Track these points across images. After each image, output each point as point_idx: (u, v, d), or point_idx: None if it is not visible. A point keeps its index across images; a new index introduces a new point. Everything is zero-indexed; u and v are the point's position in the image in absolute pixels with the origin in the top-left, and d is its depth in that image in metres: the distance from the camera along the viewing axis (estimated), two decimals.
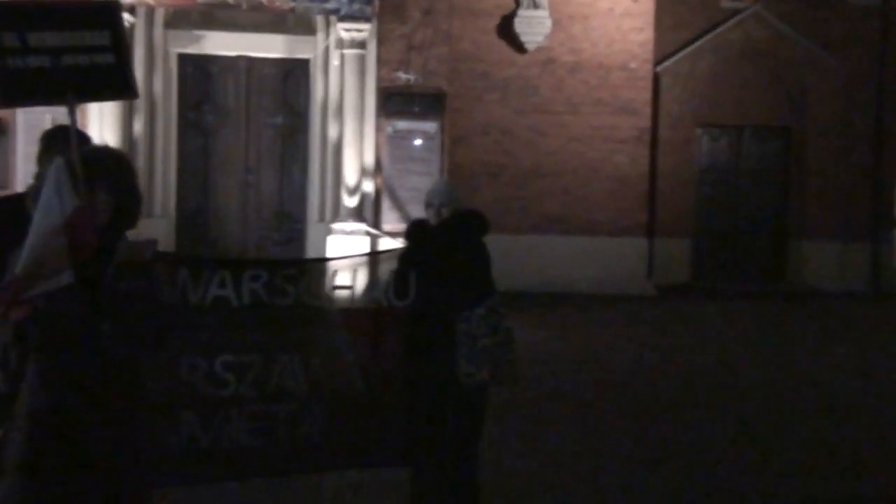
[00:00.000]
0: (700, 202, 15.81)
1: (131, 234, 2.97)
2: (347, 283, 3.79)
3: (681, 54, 15.56)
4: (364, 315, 3.89)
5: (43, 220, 2.81)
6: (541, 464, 5.90)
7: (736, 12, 15.69)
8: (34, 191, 3.08)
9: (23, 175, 11.64)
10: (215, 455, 3.56)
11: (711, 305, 13.72)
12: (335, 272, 3.79)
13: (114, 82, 3.20)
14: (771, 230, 15.96)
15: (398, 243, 4.70)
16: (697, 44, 15.59)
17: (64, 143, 3.26)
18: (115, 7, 3.30)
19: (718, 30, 15.62)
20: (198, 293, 3.42)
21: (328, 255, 10.69)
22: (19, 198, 3.53)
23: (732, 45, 15.60)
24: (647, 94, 14.74)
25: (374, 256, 4.65)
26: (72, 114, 3.05)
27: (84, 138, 3.41)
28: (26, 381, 2.80)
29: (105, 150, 3.18)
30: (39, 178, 3.48)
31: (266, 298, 3.59)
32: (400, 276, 3.91)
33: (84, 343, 2.77)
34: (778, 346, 10.73)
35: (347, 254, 6.46)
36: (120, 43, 3.18)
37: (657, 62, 15.15)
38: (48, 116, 10.38)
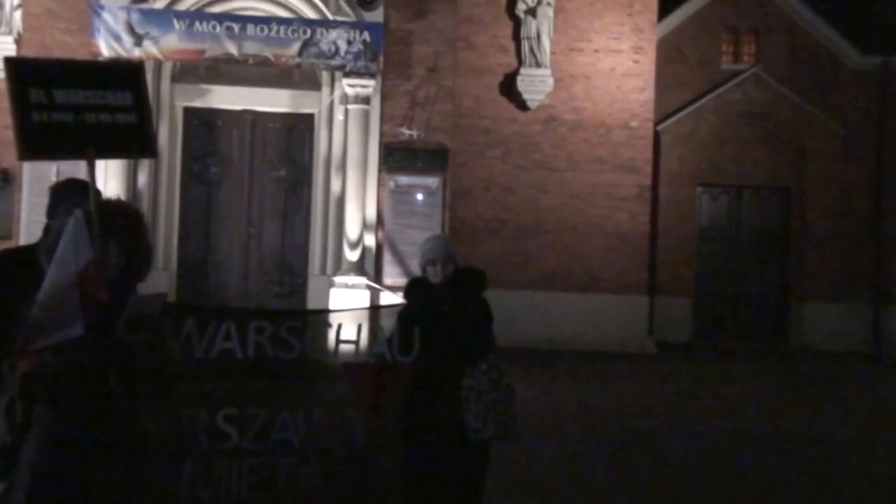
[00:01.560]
0: (701, 261, 15.86)
1: (140, 287, 2.98)
2: (352, 337, 3.78)
3: (682, 114, 15.75)
4: (367, 369, 3.88)
5: (58, 271, 2.83)
6: None
7: (736, 74, 15.92)
8: (46, 245, 3.10)
9: (27, 225, 11.69)
10: None
11: (712, 364, 13.66)
12: (339, 326, 3.78)
13: (134, 141, 3.28)
14: (772, 290, 15.96)
15: (399, 298, 4.70)
16: (698, 104, 15.79)
17: (73, 196, 3.29)
18: (138, 70, 3.40)
19: (719, 91, 15.83)
20: (203, 345, 3.41)
21: (330, 307, 10.68)
22: (30, 250, 3.53)
23: (732, 105, 15.79)
24: (647, 153, 14.87)
25: (377, 310, 4.65)
26: (91, 168, 3.09)
27: (96, 192, 3.44)
28: (32, 434, 2.78)
29: (118, 205, 3.21)
30: (48, 230, 3.50)
31: (270, 352, 3.58)
32: (403, 332, 3.91)
33: (92, 395, 2.76)
34: (778, 406, 10.65)
35: (350, 306, 6.47)
36: (142, 104, 3.27)
37: (658, 121, 15.32)
38: (54, 168, 10.48)
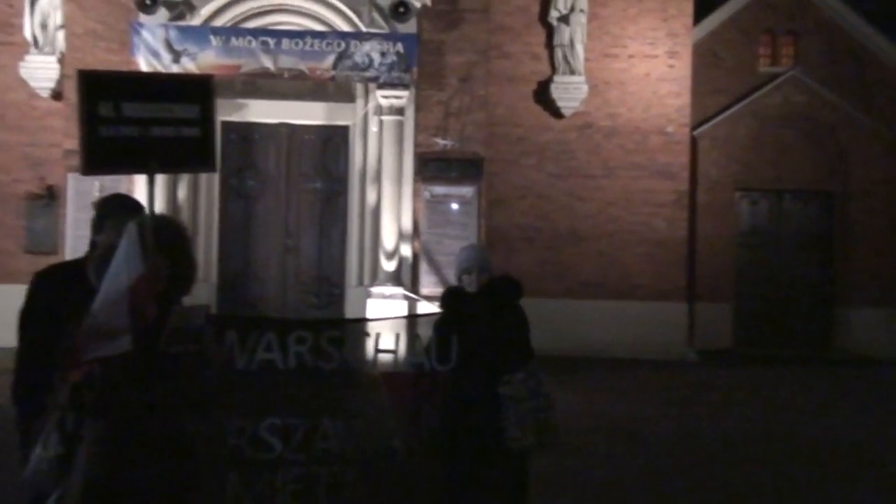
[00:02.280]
0: (740, 266, 15.68)
1: (183, 299, 3.02)
2: (390, 346, 3.80)
3: (719, 118, 15.61)
4: (406, 378, 3.89)
5: (110, 285, 2.87)
6: None
7: (774, 76, 15.75)
8: (94, 259, 3.14)
9: (72, 240, 11.89)
10: None
11: (754, 372, 13.50)
12: (378, 335, 3.80)
13: (196, 155, 3.28)
14: (815, 295, 15.73)
15: (436, 307, 4.71)
16: (735, 108, 15.65)
17: (119, 211, 3.34)
18: (208, 83, 3.37)
19: (757, 94, 15.68)
20: (245, 356, 3.44)
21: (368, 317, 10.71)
22: (78, 264, 3.60)
23: (771, 108, 15.63)
24: (684, 158, 14.75)
25: (414, 320, 4.67)
26: (150, 184, 3.12)
27: (138, 207, 3.48)
28: (83, 445, 2.83)
29: (163, 219, 3.25)
30: (95, 246, 3.56)
31: (310, 362, 3.60)
32: (441, 341, 3.92)
33: (138, 406, 2.81)
34: (822, 413, 10.48)
35: (388, 316, 6.48)
36: (208, 118, 3.26)
37: (695, 126, 15.20)
38: (97, 184, 10.67)
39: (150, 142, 3.13)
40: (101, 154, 3.10)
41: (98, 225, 3.64)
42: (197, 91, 3.28)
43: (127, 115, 3.09)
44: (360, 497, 3.70)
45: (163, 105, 3.16)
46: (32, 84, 13.05)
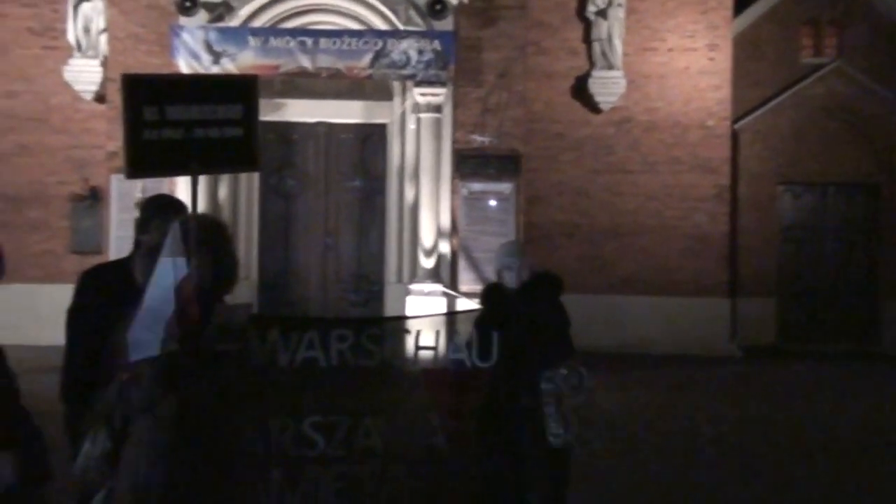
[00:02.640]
0: (784, 261, 15.46)
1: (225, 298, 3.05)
2: (430, 343, 3.80)
3: (760, 111, 15.40)
4: (447, 375, 3.89)
5: (156, 285, 2.90)
6: None
7: (817, 67, 15.50)
8: (142, 258, 3.18)
9: (116, 240, 12.08)
10: None
11: (798, 368, 13.31)
12: (418, 332, 3.81)
13: (239, 155, 3.28)
14: (861, 290, 15.46)
15: (475, 304, 4.71)
16: (777, 100, 15.42)
17: (165, 211, 3.38)
18: (252, 83, 3.38)
19: (799, 86, 15.44)
20: (288, 354, 3.47)
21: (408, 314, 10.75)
22: (123, 264, 3.65)
23: (814, 100, 15.38)
24: (725, 152, 14.59)
25: (454, 316, 4.67)
26: (193, 184, 3.15)
27: (181, 207, 3.52)
28: (130, 443, 2.87)
29: (205, 219, 3.28)
30: (139, 245, 3.61)
31: (352, 360, 3.62)
32: (481, 338, 3.92)
33: (183, 403, 2.84)
34: (869, 410, 10.30)
35: (427, 313, 6.50)
36: (251, 117, 3.27)
37: (736, 119, 15.02)
38: (139, 185, 10.81)
39: (193, 143, 3.14)
40: (144, 157, 3.12)
41: (143, 224, 3.69)
42: (241, 91, 3.29)
43: (171, 118, 3.11)
44: (401, 494, 3.70)
45: (207, 107, 3.17)
46: (76, 87, 13.27)
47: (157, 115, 3.09)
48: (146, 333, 2.82)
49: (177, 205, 3.73)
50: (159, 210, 3.62)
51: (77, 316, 3.67)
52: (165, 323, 2.81)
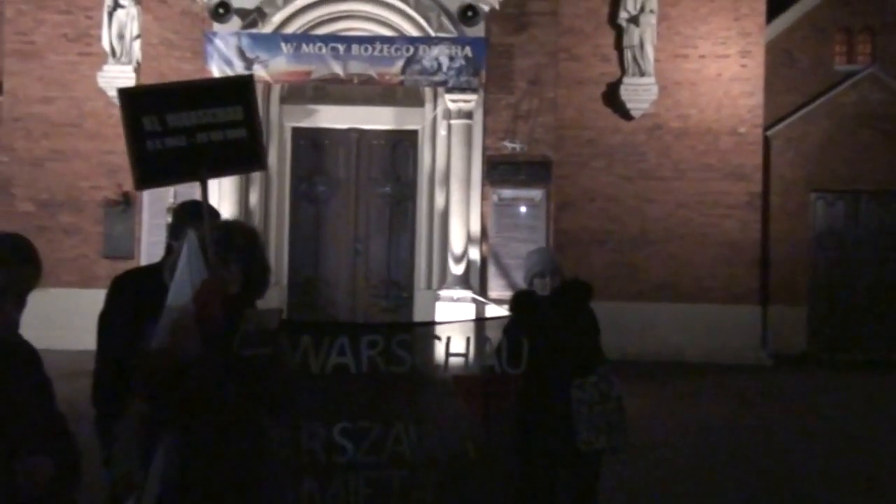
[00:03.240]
0: (816, 269, 15.29)
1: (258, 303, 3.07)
2: (460, 350, 3.80)
3: (793, 118, 15.26)
4: (477, 382, 3.89)
5: (175, 294, 2.94)
6: None
7: (850, 75, 15.33)
8: (169, 264, 3.22)
9: (147, 245, 12.21)
10: None
11: (830, 377, 13.15)
12: (448, 339, 3.81)
13: (245, 156, 3.29)
14: (893, 298, 15.23)
15: (504, 311, 4.70)
16: (810, 107, 15.27)
17: (194, 216, 3.41)
18: (249, 82, 3.40)
19: (832, 93, 15.28)
20: (319, 360, 3.48)
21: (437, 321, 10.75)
22: (155, 269, 3.69)
23: (847, 107, 15.21)
24: (757, 159, 14.48)
25: (483, 323, 4.67)
26: (203, 189, 3.18)
27: (214, 213, 3.54)
28: (160, 447, 2.90)
29: (236, 225, 3.30)
30: (171, 250, 3.65)
31: (383, 366, 3.62)
32: (511, 344, 3.92)
33: (213, 410, 2.86)
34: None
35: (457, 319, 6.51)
36: (252, 117, 3.28)
37: (768, 126, 14.90)
38: (171, 190, 10.93)
39: (198, 149, 3.15)
40: (151, 168, 3.13)
41: (175, 230, 3.72)
42: (238, 92, 3.29)
43: (172, 126, 3.12)
44: (432, 501, 3.70)
45: (206, 111, 3.17)
46: (110, 93, 13.44)
47: (158, 124, 3.11)
48: (168, 341, 2.86)
49: (210, 211, 3.75)
50: (192, 216, 3.65)
51: (108, 321, 3.70)
52: (188, 332, 2.84)
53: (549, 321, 4.32)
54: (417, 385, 3.81)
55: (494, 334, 4.20)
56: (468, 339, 3.82)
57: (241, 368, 2.89)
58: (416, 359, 3.71)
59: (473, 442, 3.86)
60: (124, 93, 3.20)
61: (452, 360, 3.79)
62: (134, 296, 3.57)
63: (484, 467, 3.90)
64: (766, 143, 14.87)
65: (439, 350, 3.78)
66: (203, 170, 3.17)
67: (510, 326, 4.19)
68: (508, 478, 3.95)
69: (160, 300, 3.00)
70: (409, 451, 3.67)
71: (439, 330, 3.94)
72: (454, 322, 4.51)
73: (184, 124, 3.14)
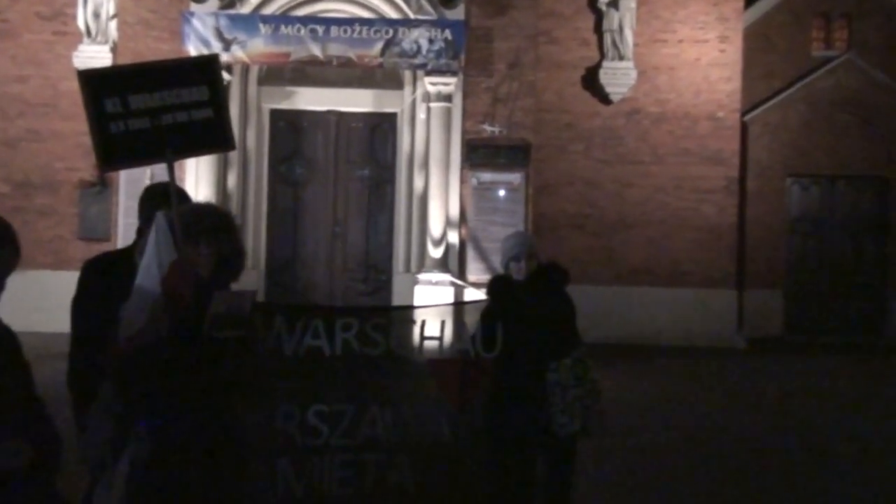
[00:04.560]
0: (792, 253, 15.44)
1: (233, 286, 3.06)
2: (436, 333, 3.81)
3: (770, 103, 15.35)
4: (452, 365, 3.90)
5: (143, 275, 2.94)
6: None
7: (827, 60, 15.43)
8: (141, 245, 3.21)
9: (124, 228, 12.12)
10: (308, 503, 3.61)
11: (804, 360, 13.29)
12: (423, 322, 3.82)
13: (211, 136, 3.26)
14: (869, 282, 15.42)
15: (483, 294, 4.71)
16: (787, 93, 15.37)
17: (163, 199, 3.39)
18: (213, 62, 3.37)
19: (809, 78, 15.38)
20: (293, 343, 3.48)
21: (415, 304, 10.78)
22: (126, 252, 3.67)
23: (824, 93, 15.32)
24: (735, 144, 14.56)
25: (460, 307, 4.69)
26: (170, 171, 3.16)
27: (183, 195, 3.51)
28: (132, 428, 2.90)
29: (207, 207, 3.29)
30: (141, 233, 3.63)
31: (357, 349, 3.63)
32: (486, 329, 3.94)
33: (184, 392, 2.86)
34: (873, 403, 10.29)
35: (434, 303, 6.51)
36: (218, 97, 3.25)
37: (745, 112, 14.98)
38: (148, 171, 10.84)
39: (163, 130, 3.13)
40: (115, 150, 3.12)
41: (145, 213, 3.68)
42: (203, 72, 3.26)
43: (135, 108, 3.10)
44: (407, 484, 3.73)
45: (170, 91, 3.15)
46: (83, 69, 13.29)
47: (121, 106, 3.08)
48: (138, 322, 2.86)
49: (177, 193, 3.70)
50: (156, 198, 3.61)
51: (80, 306, 3.68)
52: (155, 312, 2.84)
53: (525, 305, 4.33)
54: (392, 368, 3.82)
55: (470, 318, 4.21)
56: (443, 323, 3.83)
57: (213, 351, 2.89)
58: (392, 342, 3.72)
59: (448, 425, 3.88)
60: (84, 75, 3.17)
61: (427, 343, 3.81)
62: (105, 279, 3.55)
63: (458, 451, 3.92)
64: (744, 128, 14.95)
65: (415, 333, 3.79)
66: (168, 151, 3.14)
67: (486, 310, 4.20)
68: (483, 461, 3.98)
69: (132, 283, 2.99)
70: (384, 433, 3.68)
71: (415, 313, 3.95)
72: (430, 307, 4.52)
73: (147, 105, 3.12)
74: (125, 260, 3.43)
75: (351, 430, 3.62)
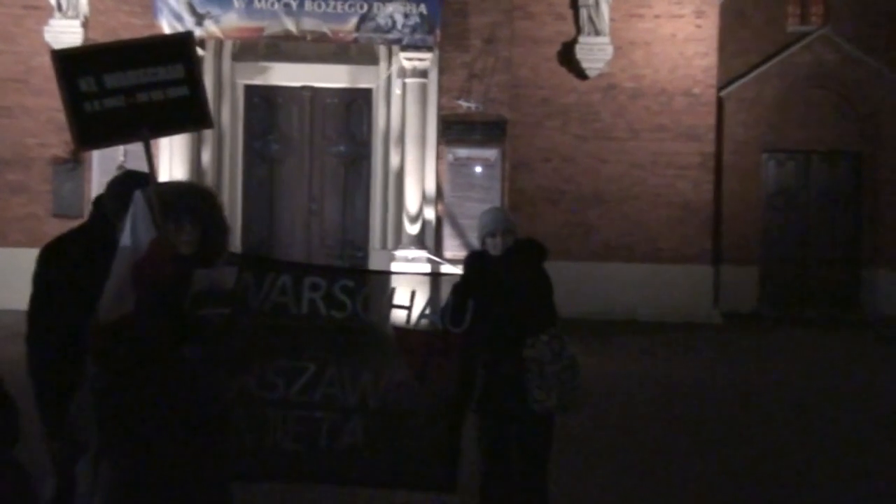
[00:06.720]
0: (767, 229, 15.55)
1: None
2: (405, 302, 3.81)
3: (746, 79, 15.40)
4: (418, 336, 3.90)
5: (121, 253, 2.92)
6: (603, 490, 5.84)
7: (803, 36, 15.48)
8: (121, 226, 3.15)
9: None
10: (259, 454, 3.65)
11: (779, 334, 13.43)
12: (393, 290, 3.82)
13: (188, 114, 3.25)
14: (842, 257, 15.57)
15: (459, 270, 4.70)
16: (763, 68, 15.42)
17: (133, 188, 3.32)
18: (188, 39, 3.36)
19: (785, 54, 15.43)
20: (259, 298, 3.50)
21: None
22: (84, 229, 3.60)
23: (799, 68, 15.38)
24: (710, 120, 14.59)
25: (432, 278, 4.68)
26: (147, 149, 3.13)
27: (146, 179, 3.37)
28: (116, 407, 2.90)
29: (189, 186, 3.28)
30: (99, 202, 3.58)
31: (323, 310, 3.64)
32: (458, 303, 3.93)
33: (169, 370, 2.86)
34: (847, 376, 10.42)
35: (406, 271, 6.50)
36: (194, 75, 3.24)
37: (721, 87, 15.01)
38: (122, 149, 10.74)
39: (139, 109, 3.11)
40: (90, 129, 3.10)
41: (111, 203, 3.52)
42: (178, 49, 3.25)
43: (110, 87, 3.08)
44: (360, 446, 3.76)
45: (146, 70, 3.14)
46: (57, 48, 13.10)
47: (95, 85, 3.07)
48: (116, 299, 2.85)
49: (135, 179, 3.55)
50: (126, 189, 3.45)
51: (47, 296, 3.46)
52: (129, 288, 2.83)
53: (501, 281, 4.33)
54: (356, 332, 3.82)
55: (441, 291, 4.21)
56: (413, 293, 3.83)
57: (196, 328, 2.88)
58: (358, 306, 3.72)
59: (407, 394, 3.90)
60: (57, 55, 3.15)
61: (395, 311, 3.81)
62: (71, 264, 3.44)
63: (416, 420, 3.93)
64: (720, 103, 15.00)
65: (383, 301, 3.79)
66: (144, 129, 3.13)
67: (457, 285, 4.20)
68: (447, 436, 3.98)
69: (86, 260, 2.96)
70: (342, 395, 3.72)
71: (385, 281, 3.95)
72: (400, 274, 4.51)
73: (122, 84, 3.10)
74: (83, 240, 3.38)
75: (309, 387, 3.65)
